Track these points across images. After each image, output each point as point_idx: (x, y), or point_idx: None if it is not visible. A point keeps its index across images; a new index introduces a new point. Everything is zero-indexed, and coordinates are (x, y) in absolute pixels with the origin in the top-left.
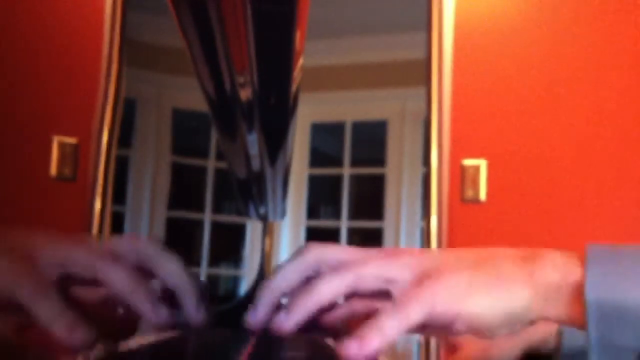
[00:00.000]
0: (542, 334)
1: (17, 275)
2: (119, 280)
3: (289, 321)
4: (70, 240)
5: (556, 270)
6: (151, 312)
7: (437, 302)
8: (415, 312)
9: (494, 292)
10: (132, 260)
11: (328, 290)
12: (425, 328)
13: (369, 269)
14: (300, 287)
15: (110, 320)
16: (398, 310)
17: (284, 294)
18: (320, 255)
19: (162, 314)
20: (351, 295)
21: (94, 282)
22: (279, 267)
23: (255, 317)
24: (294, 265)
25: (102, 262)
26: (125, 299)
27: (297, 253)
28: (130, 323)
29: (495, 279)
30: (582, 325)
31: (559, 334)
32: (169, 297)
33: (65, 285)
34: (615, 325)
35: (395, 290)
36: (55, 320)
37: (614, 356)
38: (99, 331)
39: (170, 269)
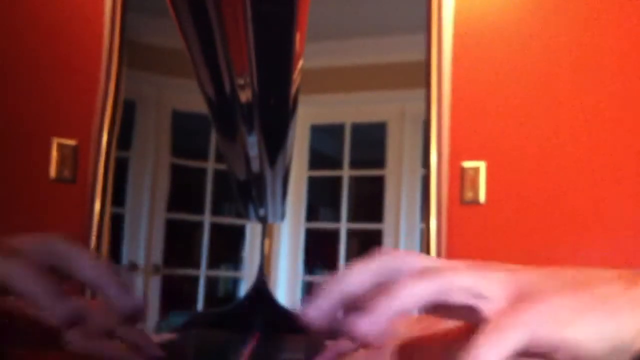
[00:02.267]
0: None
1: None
2: (24, 285)
3: (366, 324)
4: None
5: None
6: (51, 307)
7: (539, 327)
8: (515, 336)
9: (601, 317)
10: (40, 260)
11: (413, 294)
12: (520, 355)
13: (458, 277)
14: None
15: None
16: (496, 333)
17: (351, 294)
18: (400, 260)
19: (66, 306)
20: (432, 308)
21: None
22: (349, 267)
23: (315, 309)
24: (368, 264)
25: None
26: (32, 300)
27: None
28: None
29: (601, 304)
30: None
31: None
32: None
33: None
34: None
35: (487, 309)
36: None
37: None
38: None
39: (86, 263)
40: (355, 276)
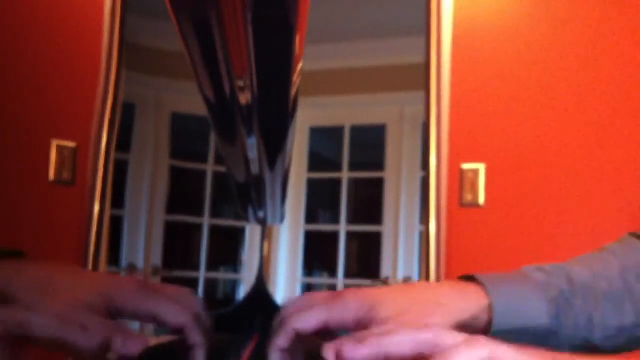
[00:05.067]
0: (472, 310)
1: None
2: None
3: (358, 353)
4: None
5: None
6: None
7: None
8: (482, 351)
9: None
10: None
11: (400, 346)
12: None
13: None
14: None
15: None
16: (468, 346)
17: (390, 354)
18: (440, 336)
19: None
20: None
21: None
22: (393, 330)
23: (356, 353)
24: (411, 334)
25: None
26: None
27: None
28: None
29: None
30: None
31: (490, 310)
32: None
33: None
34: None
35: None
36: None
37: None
38: None
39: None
40: (398, 342)
